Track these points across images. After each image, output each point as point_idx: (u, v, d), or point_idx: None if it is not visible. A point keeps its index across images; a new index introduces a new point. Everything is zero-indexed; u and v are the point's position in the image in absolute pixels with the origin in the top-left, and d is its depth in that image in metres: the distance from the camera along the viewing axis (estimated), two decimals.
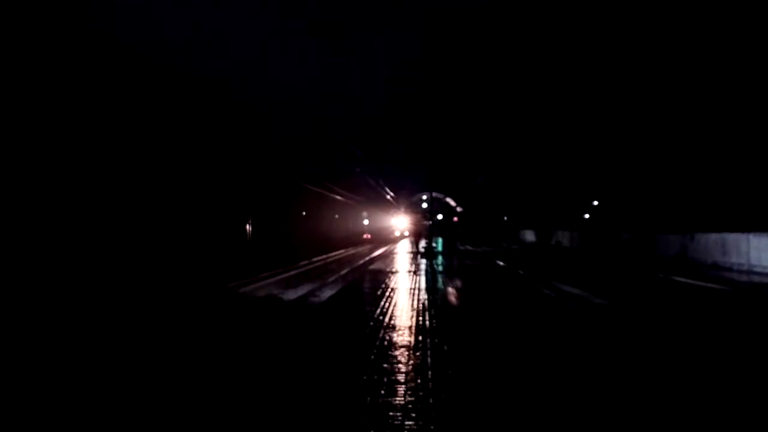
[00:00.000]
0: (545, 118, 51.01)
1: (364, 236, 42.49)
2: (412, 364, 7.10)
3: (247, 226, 25.34)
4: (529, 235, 59.57)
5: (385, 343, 8.37)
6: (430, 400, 5.68)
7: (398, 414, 5.30)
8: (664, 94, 36.44)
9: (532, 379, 6.47)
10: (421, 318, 10.65)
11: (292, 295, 14.34)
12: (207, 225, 25.45)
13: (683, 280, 17.74)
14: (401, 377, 6.53)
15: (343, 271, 21.38)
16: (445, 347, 8.07)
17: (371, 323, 10.04)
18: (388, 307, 12.11)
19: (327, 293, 14.69)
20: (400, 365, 7.07)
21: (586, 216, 54.80)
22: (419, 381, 6.37)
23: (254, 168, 26.28)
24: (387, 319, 10.47)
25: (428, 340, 8.59)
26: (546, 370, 6.91)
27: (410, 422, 5.09)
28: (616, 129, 41.97)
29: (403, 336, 8.89)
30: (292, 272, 20.74)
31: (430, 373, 6.70)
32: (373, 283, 17.27)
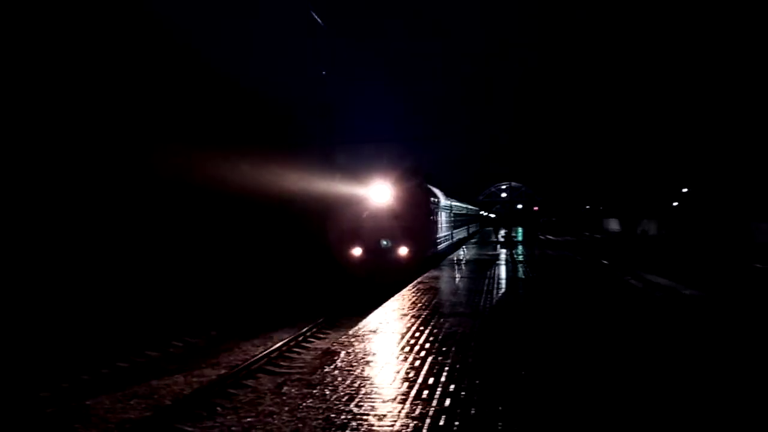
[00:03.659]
0: (631, 101, 49.08)
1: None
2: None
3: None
4: (613, 224, 57.67)
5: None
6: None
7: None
8: (755, 72, 34.27)
9: (617, 369, 6.54)
10: (502, 312, 10.76)
11: None
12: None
13: None
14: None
15: None
16: (529, 338, 8.21)
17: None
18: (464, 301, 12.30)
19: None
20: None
21: (675, 204, 52.43)
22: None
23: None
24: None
25: (512, 335, 8.74)
26: (633, 359, 6.93)
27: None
28: (707, 113, 39.87)
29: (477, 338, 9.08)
30: None
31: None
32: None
